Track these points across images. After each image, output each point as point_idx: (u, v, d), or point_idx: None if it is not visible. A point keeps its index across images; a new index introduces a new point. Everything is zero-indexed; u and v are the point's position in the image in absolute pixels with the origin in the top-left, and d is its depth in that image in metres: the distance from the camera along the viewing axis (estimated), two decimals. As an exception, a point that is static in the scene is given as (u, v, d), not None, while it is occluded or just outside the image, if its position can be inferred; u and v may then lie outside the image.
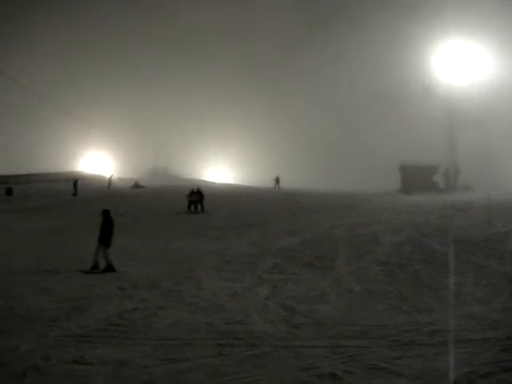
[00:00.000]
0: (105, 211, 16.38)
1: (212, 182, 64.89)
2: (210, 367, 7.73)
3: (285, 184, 54.19)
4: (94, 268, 15.29)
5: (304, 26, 71.70)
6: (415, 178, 54.79)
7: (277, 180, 54.73)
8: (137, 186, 53.33)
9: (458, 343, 8.50)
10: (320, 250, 18.51)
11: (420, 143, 56.46)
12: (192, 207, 31.30)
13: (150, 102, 77.07)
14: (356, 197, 39.66)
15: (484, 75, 58.35)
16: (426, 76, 60.20)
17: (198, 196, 31.81)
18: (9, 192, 43.33)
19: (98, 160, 80.00)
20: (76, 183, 44.66)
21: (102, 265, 15.38)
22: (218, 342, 8.79)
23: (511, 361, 7.64)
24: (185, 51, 75.77)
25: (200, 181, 64.68)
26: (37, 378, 7.33)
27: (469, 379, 7.06)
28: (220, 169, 77.09)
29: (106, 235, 15.77)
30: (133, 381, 7.25)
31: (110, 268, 15.23)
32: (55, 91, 73.39)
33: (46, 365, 7.78)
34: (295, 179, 53.71)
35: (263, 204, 35.08)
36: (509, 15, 58.00)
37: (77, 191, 43.70)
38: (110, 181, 52.33)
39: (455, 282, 13.08)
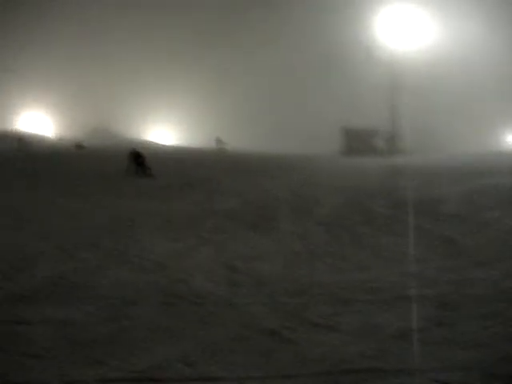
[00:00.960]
0: None
1: (156, 143, 64.16)
2: (152, 325, 7.77)
3: (227, 146, 53.73)
4: None
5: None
6: (356, 141, 55.45)
7: (218, 142, 52.76)
8: (80, 146, 52.05)
9: (395, 300, 8.78)
10: (262, 210, 18.64)
11: (362, 107, 56.95)
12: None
13: (91, 57, 74.72)
14: (297, 159, 39.91)
15: (429, 42, 58.97)
16: (370, 40, 60.44)
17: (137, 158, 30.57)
18: None
19: (35, 119, 77.57)
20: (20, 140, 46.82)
21: None
22: (161, 301, 8.83)
23: (445, 316, 7.94)
24: (133, 6, 73.55)
25: (145, 141, 63.81)
26: (-25, 339, 7.23)
27: (404, 333, 7.30)
28: (164, 129, 76.04)
29: None
30: (76, 340, 7.22)
31: None
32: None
33: (-15, 325, 7.68)
34: (238, 141, 53.36)
35: (205, 165, 34.90)
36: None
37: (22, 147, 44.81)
38: (19, 140, 49.89)
39: (393, 243, 13.43)
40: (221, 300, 8.94)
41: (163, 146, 62.26)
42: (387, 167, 30.89)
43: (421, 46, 59.14)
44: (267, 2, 68.11)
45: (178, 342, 7.14)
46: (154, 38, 72.95)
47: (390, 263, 11.52)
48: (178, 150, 51.53)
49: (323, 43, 64.46)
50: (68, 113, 73.47)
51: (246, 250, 12.89)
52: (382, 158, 44.57)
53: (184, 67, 72.51)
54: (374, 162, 37.72)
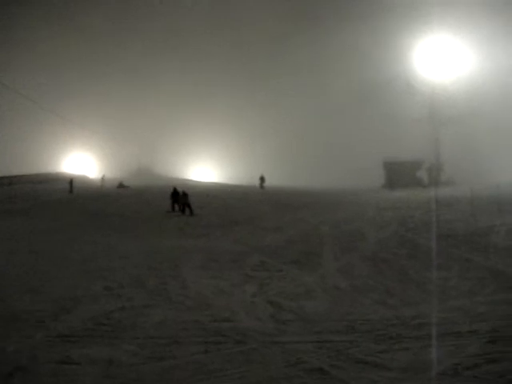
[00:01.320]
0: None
1: (197, 181, 64.75)
2: (197, 364, 7.73)
3: (269, 182, 54.04)
4: None
5: (290, 24, 71.78)
6: (399, 173, 55.13)
7: (262, 179, 52.96)
8: (121, 185, 53.05)
9: (444, 336, 8.57)
10: (306, 246, 18.56)
11: (403, 140, 56.72)
12: (176, 208, 31.09)
13: (133, 102, 76.59)
14: (341, 194, 39.79)
15: (467, 71, 58.70)
16: (409, 72, 60.44)
17: (183, 198, 30.96)
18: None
19: (81, 160, 79.51)
20: (72, 182, 46.84)
21: None
22: (205, 340, 8.78)
23: (496, 352, 7.71)
24: (170, 51, 75.42)
25: (185, 180, 64.53)
26: (24, 378, 7.29)
27: (455, 371, 7.11)
28: (204, 167, 76.91)
29: None
30: (121, 379, 7.23)
31: None
32: (41, 92, 72.65)
33: (33, 365, 7.74)
34: (280, 177, 53.61)
35: (248, 202, 35.07)
36: (490, 11, 58.36)
37: (72, 189, 45.62)
38: (102, 180, 53.74)
39: (440, 276, 13.18)
40: (266, 338, 8.85)
41: (205, 183, 62.71)
42: (431, 199, 30.50)
43: (459, 76, 58.84)
44: (306, 40, 68.84)
45: (223, 382, 7.08)
46: (196, 82, 74.38)
47: (438, 298, 11.28)
48: (220, 188, 51.85)
49: (364, 78, 64.61)
50: (112, 154, 75.00)
51: (291, 287, 12.79)
52: (426, 190, 44.06)
53: (223, 107, 73.52)
54: (418, 194, 37.31)
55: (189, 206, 30.29)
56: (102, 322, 9.88)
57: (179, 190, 32.21)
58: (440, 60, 59.51)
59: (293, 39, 70.63)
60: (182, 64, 75.26)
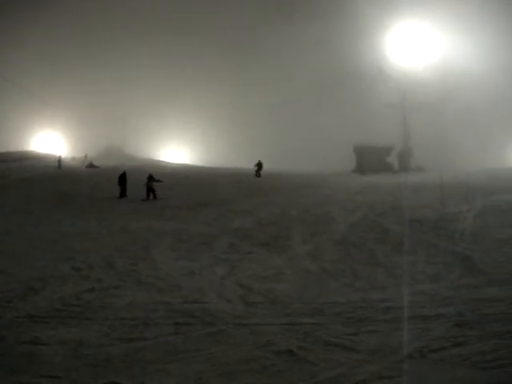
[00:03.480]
0: None
1: (168, 162, 64.34)
2: (167, 345, 7.75)
3: (240, 164, 53.64)
4: None
5: (263, 11, 71.56)
6: (369, 159, 55.40)
7: (259, 165, 43.93)
8: (91, 165, 52.41)
9: (411, 319, 8.71)
10: (276, 229, 18.63)
11: (374, 125, 56.95)
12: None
13: (105, 82, 75.54)
14: (311, 178, 39.90)
15: (438, 58, 59.07)
16: (381, 58, 60.64)
17: (148, 182, 29.34)
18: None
19: (49, 139, 78.10)
20: (60, 159, 50.68)
21: None
22: (175, 321, 8.80)
23: (462, 335, 7.86)
24: (142, 34, 74.55)
25: (155, 161, 64.11)
26: (-8, 359, 7.24)
27: (421, 353, 7.24)
28: (176, 149, 76.36)
29: None
30: (90, 360, 7.22)
31: None
32: (9, 68, 71.20)
33: (2, 346, 7.70)
34: (252, 160, 53.30)
35: (220, 184, 34.97)
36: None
37: (60, 166, 48.89)
38: (59, 160, 51.46)
39: (408, 261, 13.36)
40: (235, 320, 8.90)
41: (175, 164, 62.34)
42: (401, 185, 30.77)
43: (430, 63, 59.21)
44: (279, 27, 68.65)
45: (192, 363, 7.11)
46: (168, 64, 73.83)
47: (406, 282, 11.44)
48: (191, 169, 51.59)
49: (335, 64, 64.68)
50: (80, 133, 74.07)
51: (260, 270, 12.86)
52: (396, 175, 44.42)
53: (197, 92, 73.17)
54: (388, 179, 37.59)
55: (153, 190, 29.19)
56: (71, 303, 9.84)
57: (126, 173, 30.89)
58: (411, 46, 59.79)
59: (264, 26, 70.39)
60: (153, 49, 74.56)
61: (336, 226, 18.89)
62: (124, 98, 74.64)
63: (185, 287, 11.15)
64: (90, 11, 77.24)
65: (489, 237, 15.96)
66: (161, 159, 69.82)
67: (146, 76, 74.38)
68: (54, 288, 10.92)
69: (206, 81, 73.67)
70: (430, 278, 11.74)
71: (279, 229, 18.69)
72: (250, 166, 44.57)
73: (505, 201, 21.51)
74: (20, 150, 65.58)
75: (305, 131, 66.98)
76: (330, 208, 22.85)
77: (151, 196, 29.00)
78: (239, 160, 55.25)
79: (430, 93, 56.80)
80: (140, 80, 74.33)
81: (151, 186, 29.22)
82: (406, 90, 58.42)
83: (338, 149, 57.25)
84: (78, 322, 8.77)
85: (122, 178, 30.26)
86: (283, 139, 66.22)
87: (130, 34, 74.82)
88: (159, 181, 30.53)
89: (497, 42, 57.80)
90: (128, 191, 29.29)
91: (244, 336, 8.13)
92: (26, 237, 17.28)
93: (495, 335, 7.80)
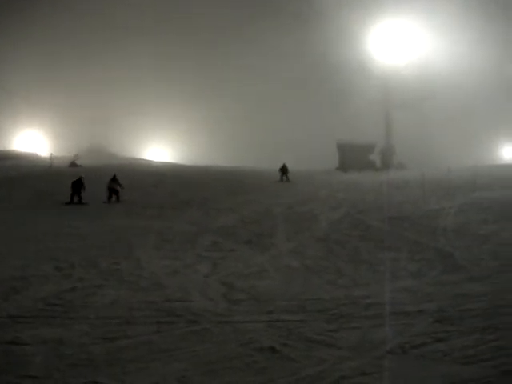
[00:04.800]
0: None
1: (150, 161, 64.10)
2: (149, 344, 7.71)
3: (226, 163, 53.50)
4: None
5: (241, 8, 71.45)
6: (352, 156, 55.46)
7: (284, 169, 37.98)
8: (73, 164, 52.01)
9: (393, 315, 8.76)
10: (258, 227, 18.66)
11: (357, 122, 57.08)
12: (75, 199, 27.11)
13: (86, 81, 75.07)
14: (294, 175, 39.94)
15: (420, 56, 59.31)
16: (363, 56, 60.76)
17: (112, 183, 27.81)
18: None
19: (31, 138, 77.43)
20: (51, 157, 51.35)
21: None
22: (158, 320, 8.77)
23: (443, 331, 7.92)
24: (123, 33, 74.13)
25: (138, 159, 63.81)
26: (-28, 359, 7.18)
27: (403, 349, 7.28)
28: (160, 148, 76.08)
29: None
30: (72, 360, 7.17)
31: None
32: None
33: (-18, 346, 7.64)
34: (234, 160, 53.13)
35: (203, 183, 34.89)
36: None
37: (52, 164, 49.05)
38: (51, 159, 51.76)
39: (390, 258, 13.45)
40: (218, 318, 8.89)
41: (159, 163, 62.11)
42: (383, 182, 30.93)
43: (413, 60, 59.45)
44: (259, 23, 68.53)
45: (175, 361, 7.10)
46: (151, 64, 73.53)
47: (388, 279, 11.51)
48: (174, 168, 51.40)
49: (317, 60, 64.72)
50: (63, 132, 73.52)
51: (243, 267, 12.87)
52: (378, 173, 44.62)
53: (178, 91, 72.89)
54: (370, 177, 37.76)
55: (116, 192, 27.56)
56: (53, 303, 9.76)
57: (83, 177, 28.48)
58: (394, 44, 59.97)
59: (243, 22, 70.26)
60: (137, 48, 74.15)
61: (319, 223, 18.95)
62: (107, 98, 74.13)
63: (168, 286, 11.13)
64: (73, 12, 76.66)
65: (470, 234, 16.13)
66: (145, 158, 69.54)
67: (129, 76, 73.99)
68: (35, 287, 10.83)
69: (188, 80, 73.44)
70: (412, 275, 11.84)
71: (262, 226, 18.73)
72: (233, 163, 44.46)
73: (486, 198, 21.73)
74: (1, 149, 65.00)
75: (288, 129, 66.98)
76: (313, 205, 22.92)
77: (113, 198, 27.40)
78: (222, 158, 55.13)
79: (412, 90, 57.06)
80: (123, 79, 73.92)
81: (114, 187, 27.69)
82: (388, 88, 58.62)
83: (322, 146, 57.35)
84: (60, 322, 8.71)
85: (77, 184, 27.59)
86: (266, 137, 66.16)
87: (110, 33, 74.37)
88: (120, 185, 28.20)
89: (478, 41, 58.09)
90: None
91: (227, 334, 8.12)
92: (6, 236, 17.12)
93: (476, 331, 7.87)
